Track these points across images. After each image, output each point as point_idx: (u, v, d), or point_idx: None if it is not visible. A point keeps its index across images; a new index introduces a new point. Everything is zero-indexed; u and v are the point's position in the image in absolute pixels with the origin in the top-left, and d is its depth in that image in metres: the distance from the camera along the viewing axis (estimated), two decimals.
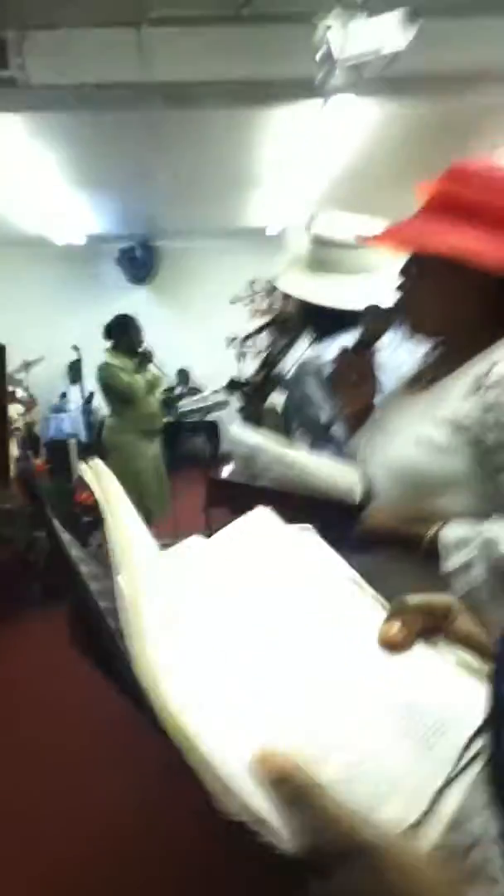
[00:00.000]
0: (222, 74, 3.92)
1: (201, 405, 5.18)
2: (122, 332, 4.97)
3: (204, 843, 2.27)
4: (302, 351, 2.35)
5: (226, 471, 1.81)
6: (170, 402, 5.23)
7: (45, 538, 4.44)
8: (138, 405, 4.91)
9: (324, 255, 2.07)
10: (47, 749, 2.97)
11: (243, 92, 4.18)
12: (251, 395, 2.95)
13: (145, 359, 4.96)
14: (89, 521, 4.68)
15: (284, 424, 2.04)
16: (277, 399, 2.62)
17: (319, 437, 1.74)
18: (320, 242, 2.06)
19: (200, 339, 9.94)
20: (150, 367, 5.03)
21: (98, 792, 2.66)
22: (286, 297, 2.65)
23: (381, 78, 3.43)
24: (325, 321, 2.17)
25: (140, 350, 4.96)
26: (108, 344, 5.02)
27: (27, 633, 4.16)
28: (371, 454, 1.49)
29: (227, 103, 4.52)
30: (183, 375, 9.83)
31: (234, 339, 10.19)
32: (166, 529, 4.98)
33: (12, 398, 6.30)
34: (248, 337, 6.80)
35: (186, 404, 5.34)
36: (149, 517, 4.96)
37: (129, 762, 2.82)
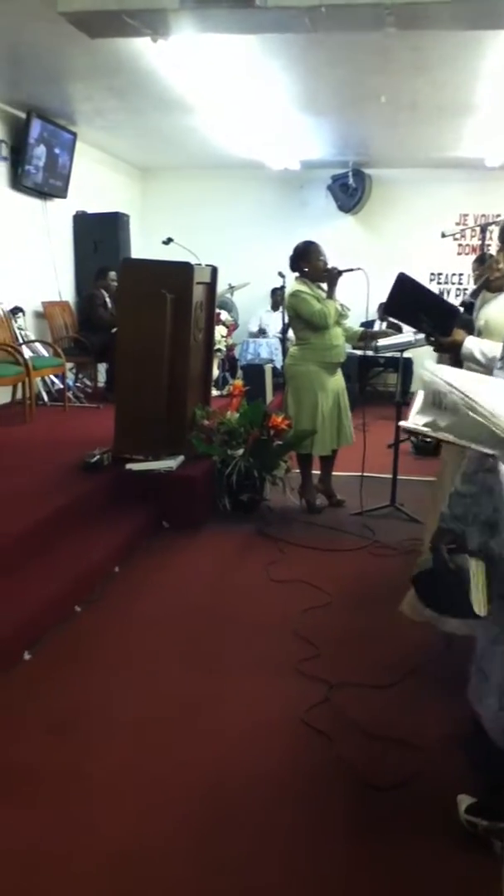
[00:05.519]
0: None
1: (402, 340, 5.05)
2: (305, 260, 4.90)
3: (354, 746, 2.38)
4: None
5: (416, 402, 1.83)
6: (366, 336, 5.13)
7: (241, 457, 4.65)
8: (324, 335, 4.81)
9: None
10: (203, 650, 3.16)
11: (478, 13, 3.97)
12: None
13: (333, 276, 4.83)
14: (279, 444, 4.81)
15: None
16: None
17: None
18: None
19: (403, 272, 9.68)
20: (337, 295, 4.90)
21: (242, 697, 2.79)
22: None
23: None
24: None
25: (328, 269, 4.84)
26: (295, 274, 4.97)
27: (210, 542, 4.44)
28: None
29: (460, 25, 4.31)
30: (382, 309, 9.68)
31: (438, 274, 9.87)
32: (351, 464, 5.06)
33: (217, 320, 6.51)
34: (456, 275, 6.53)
35: (386, 339, 5.21)
36: (327, 450, 4.98)
37: (278, 669, 2.96)
